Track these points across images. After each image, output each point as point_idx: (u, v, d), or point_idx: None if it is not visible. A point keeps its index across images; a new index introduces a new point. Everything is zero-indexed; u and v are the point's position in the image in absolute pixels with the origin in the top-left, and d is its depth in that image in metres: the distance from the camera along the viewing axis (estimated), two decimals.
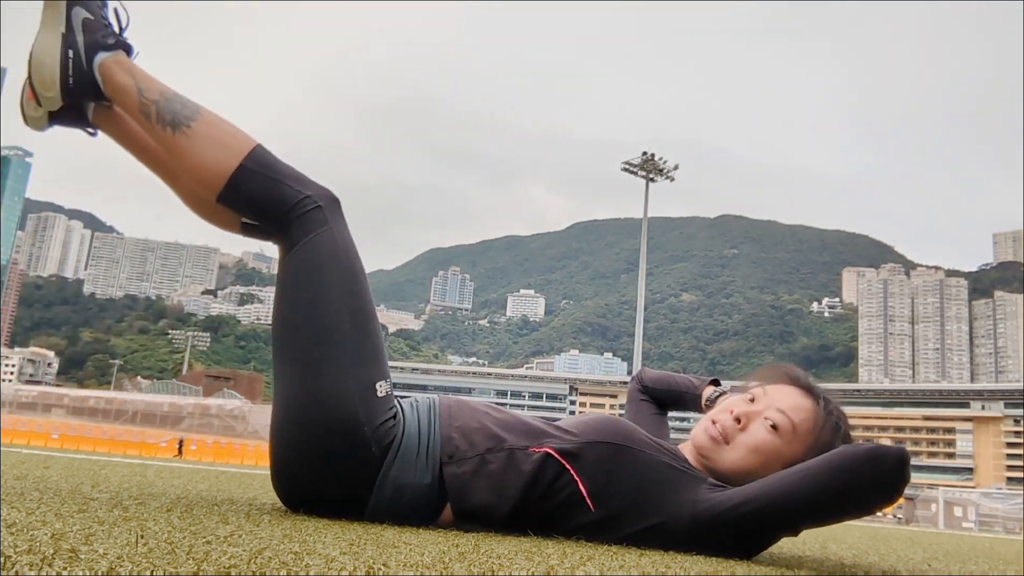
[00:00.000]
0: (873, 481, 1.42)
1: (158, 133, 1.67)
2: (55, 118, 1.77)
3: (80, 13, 1.72)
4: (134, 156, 1.83)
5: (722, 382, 1.93)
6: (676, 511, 1.50)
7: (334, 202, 1.67)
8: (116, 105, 1.75)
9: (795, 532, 1.56)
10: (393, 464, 1.55)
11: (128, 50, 1.74)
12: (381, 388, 1.58)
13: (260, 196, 1.64)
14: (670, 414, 2.06)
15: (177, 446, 25.31)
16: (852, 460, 1.43)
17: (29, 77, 1.74)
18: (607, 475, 1.54)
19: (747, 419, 1.62)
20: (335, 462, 1.53)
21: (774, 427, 1.59)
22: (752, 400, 1.65)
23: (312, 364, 1.56)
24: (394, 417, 1.58)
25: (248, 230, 1.76)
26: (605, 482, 1.54)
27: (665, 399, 2.01)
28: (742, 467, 1.59)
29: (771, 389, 1.66)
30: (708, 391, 1.87)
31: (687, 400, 1.94)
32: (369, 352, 1.59)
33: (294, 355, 1.59)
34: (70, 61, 1.70)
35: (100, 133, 1.83)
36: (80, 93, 1.72)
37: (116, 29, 1.76)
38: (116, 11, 1.78)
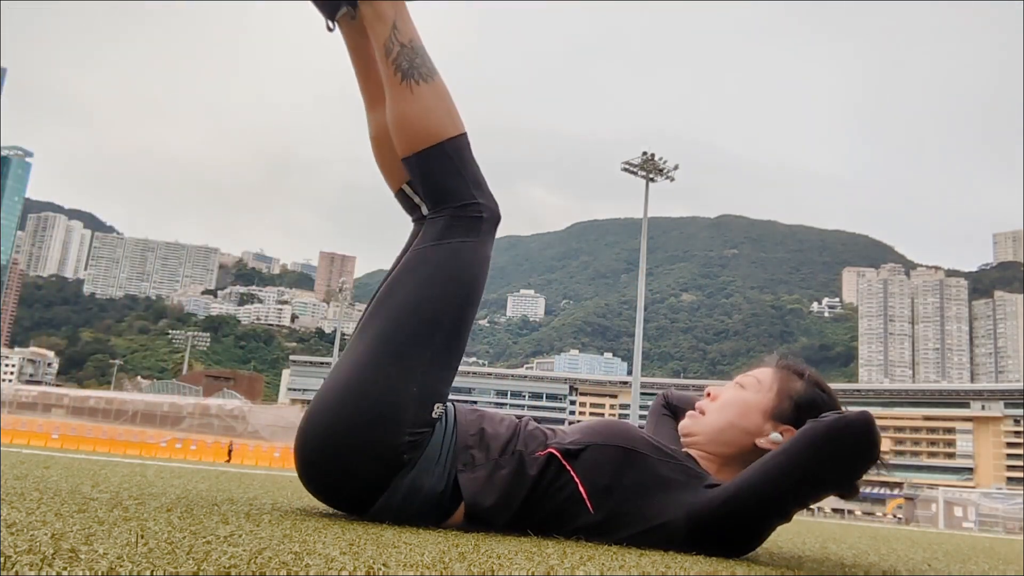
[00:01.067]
0: (844, 450, 1.45)
1: (389, 72, 1.69)
2: None
3: None
4: (355, 68, 1.85)
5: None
6: (675, 512, 1.51)
7: (495, 220, 1.69)
8: (367, 25, 1.75)
9: (787, 517, 1.57)
10: (413, 469, 1.56)
11: None
12: (437, 409, 1.60)
13: (437, 178, 1.67)
14: None
15: (228, 450, 25.04)
16: (822, 431, 1.45)
17: None
18: (608, 477, 1.56)
19: (717, 391, 1.75)
20: (363, 450, 1.54)
21: (739, 385, 1.73)
22: (740, 386, 1.77)
23: (392, 355, 1.57)
24: (430, 433, 1.60)
25: (402, 196, 1.79)
26: (606, 484, 1.55)
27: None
28: (718, 424, 1.67)
29: (757, 371, 1.78)
30: None
31: None
32: (443, 371, 1.61)
33: (382, 336, 1.60)
34: None
35: (337, 32, 1.83)
36: None
37: None
38: None
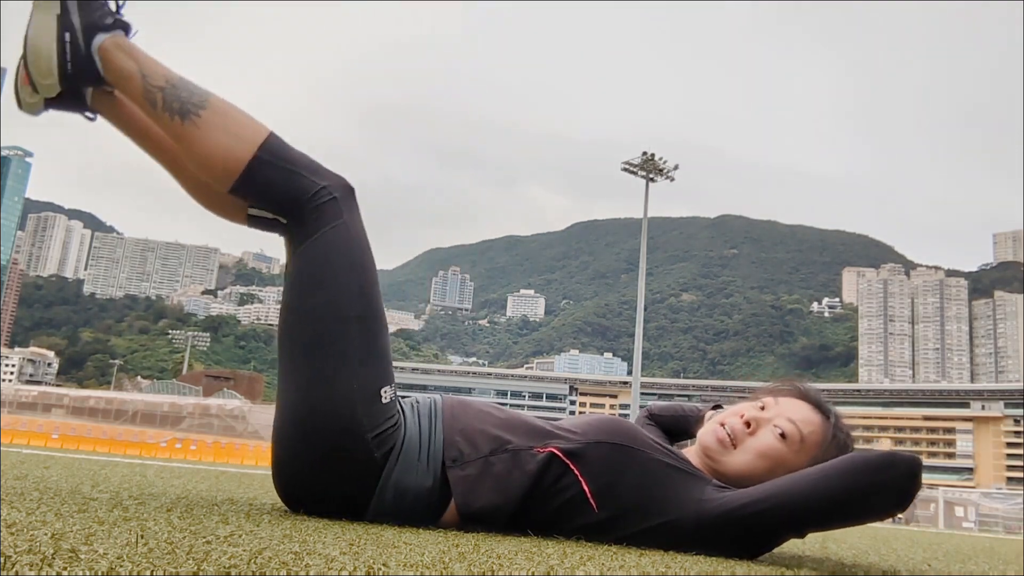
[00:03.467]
0: (885, 487, 1.41)
1: (165, 121, 1.59)
2: (52, 103, 1.68)
3: None
4: (135, 143, 1.75)
5: (723, 387, 1.94)
6: (680, 511, 1.49)
7: (349, 192, 1.62)
8: (118, 91, 1.66)
9: (801, 535, 1.56)
10: (395, 468, 1.53)
11: (127, 29, 1.65)
12: (386, 394, 1.55)
13: (275, 187, 1.58)
14: None
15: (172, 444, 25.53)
16: (864, 465, 1.42)
17: (25, 62, 1.64)
18: (611, 475, 1.54)
19: (756, 424, 1.62)
20: (336, 466, 1.51)
21: (783, 435, 1.59)
22: (763, 408, 1.65)
23: (317, 367, 1.53)
24: (396, 423, 1.56)
25: (254, 221, 1.69)
26: (609, 482, 1.53)
27: (671, 425, 2.02)
28: (748, 471, 1.59)
29: (782, 400, 1.66)
30: (710, 412, 1.86)
31: (691, 423, 1.95)
32: (375, 357, 1.56)
33: (299, 356, 1.56)
34: (67, 45, 1.60)
35: (99, 118, 1.74)
36: (79, 79, 1.63)
37: (113, 7, 1.65)
38: None
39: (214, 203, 1.72)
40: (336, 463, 1.51)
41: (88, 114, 1.72)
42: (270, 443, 1.61)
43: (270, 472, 1.63)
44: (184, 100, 1.57)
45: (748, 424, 1.62)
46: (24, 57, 1.64)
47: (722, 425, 1.64)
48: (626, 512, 1.52)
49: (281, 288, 1.60)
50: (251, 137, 1.58)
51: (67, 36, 1.60)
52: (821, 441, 1.61)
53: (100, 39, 1.61)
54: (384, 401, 1.54)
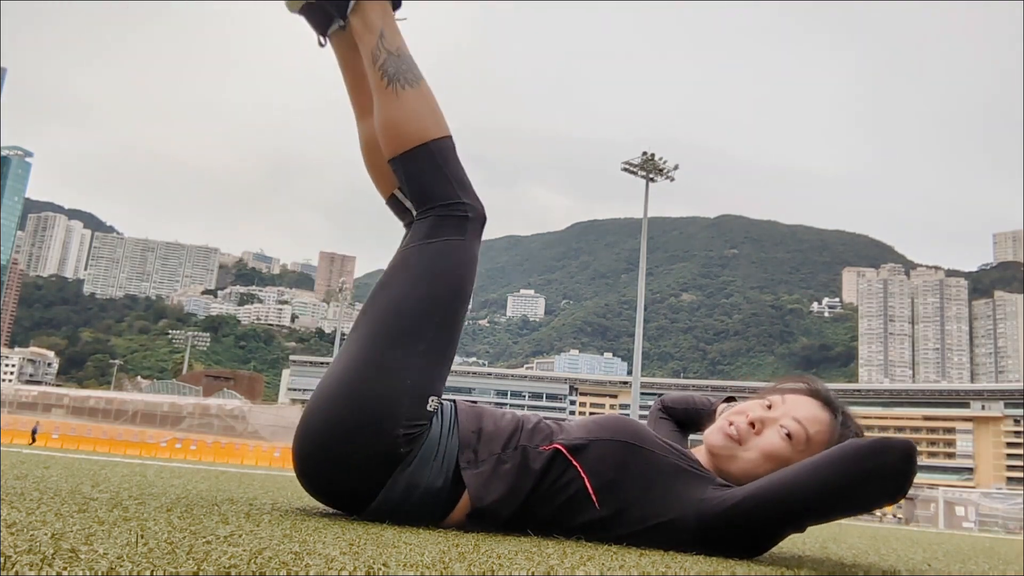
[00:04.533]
0: (879, 474, 1.41)
1: (376, 78, 1.76)
2: (306, 9, 1.86)
3: None
4: (346, 82, 1.93)
5: (723, 386, 1.95)
6: (683, 510, 1.50)
7: (481, 220, 1.72)
8: (355, 34, 1.82)
9: (801, 528, 1.57)
10: (412, 465, 1.57)
11: (396, 4, 1.84)
12: (432, 403, 1.61)
13: (423, 179, 1.71)
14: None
15: (32, 433, 25.93)
16: (856, 453, 1.42)
17: None
18: (614, 472, 1.55)
19: (762, 424, 1.63)
20: (361, 447, 1.55)
21: (788, 436, 1.60)
22: (770, 407, 1.66)
23: (384, 351, 1.59)
24: (426, 429, 1.61)
25: (393, 203, 1.84)
26: (612, 480, 1.55)
27: (683, 418, 2.04)
28: (753, 472, 1.59)
29: (790, 398, 1.67)
30: (722, 406, 1.87)
31: (703, 417, 1.96)
32: (438, 365, 1.63)
33: (374, 334, 1.63)
34: None
35: (329, 47, 1.91)
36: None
37: None
38: None
39: (375, 164, 1.87)
40: (363, 443, 1.54)
41: (322, 38, 1.89)
42: (304, 409, 1.65)
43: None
44: (401, 71, 1.75)
45: (753, 424, 1.64)
46: None
47: (729, 424, 1.66)
48: (628, 510, 1.53)
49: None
50: (432, 128, 1.73)
51: None
52: (828, 440, 1.60)
53: None
54: (428, 408, 1.60)
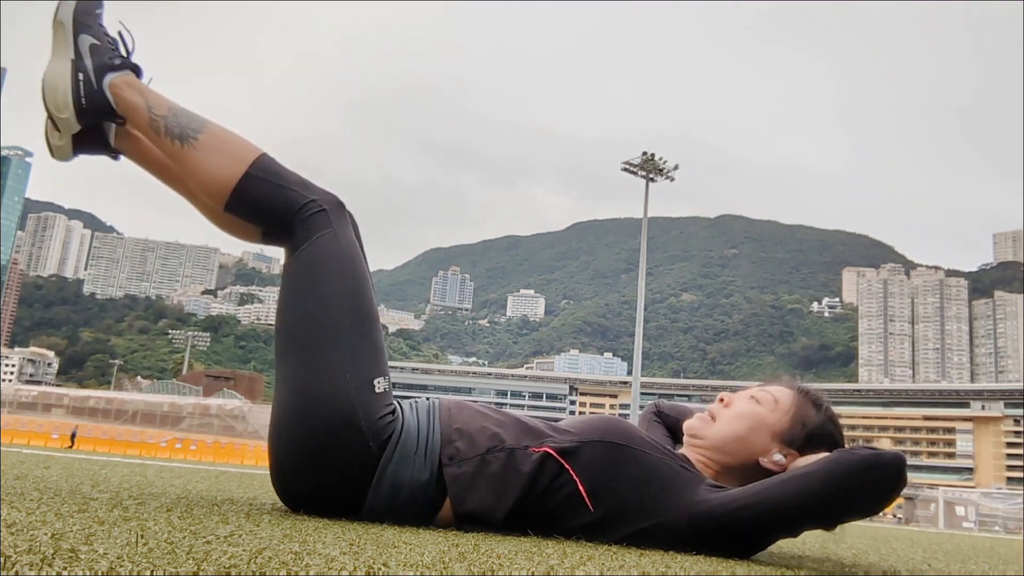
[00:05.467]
0: (870, 487, 1.45)
1: (167, 147, 1.74)
2: (78, 146, 1.84)
3: (87, 40, 1.80)
4: (156, 177, 1.90)
5: (723, 387, 1.99)
6: (675, 511, 1.51)
7: (338, 206, 1.73)
8: (128, 123, 1.80)
9: (794, 534, 1.60)
10: (391, 461, 1.56)
11: (137, 71, 1.82)
12: (379, 384, 1.61)
13: (265, 202, 1.70)
14: None
15: (71, 437, 25.99)
16: (849, 466, 1.45)
17: (44, 104, 1.80)
18: (606, 474, 1.55)
19: (730, 399, 1.74)
20: (333, 458, 1.55)
21: (754, 399, 1.71)
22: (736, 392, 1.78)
23: (311, 361, 1.59)
24: (392, 413, 1.60)
25: (268, 238, 1.81)
26: (604, 481, 1.55)
27: (675, 426, 2.04)
28: (729, 434, 1.66)
29: (756, 386, 1.78)
30: None
31: None
32: (367, 351, 1.63)
33: (293, 353, 1.63)
34: (80, 84, 1.77)
35: (123, 158, 1.89)
36: (94, 113, 1.79)
37: (123, 52, 1.83)
38: (121, 35, 1.85)
39: (228, 225, 1.82)
40: (333, 454, 1.54)
41: (112, 154, 1.88)
42: (268, 446, 1.65)
43: (269, 472, 1.65)
44: (184, 126, 1.73)
45: (722, 400, 1.75)
46: (44, 102, 1.80)
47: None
48: (621, 512, 1.53)
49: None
50: (243, 156, 1.72)
51: (80, 76, 1.77)
52: (793, 398, 1.70)
53: (110, 77, 1.78)
54: (377, 391, 1.59)
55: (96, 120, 1.81)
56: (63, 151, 1.84)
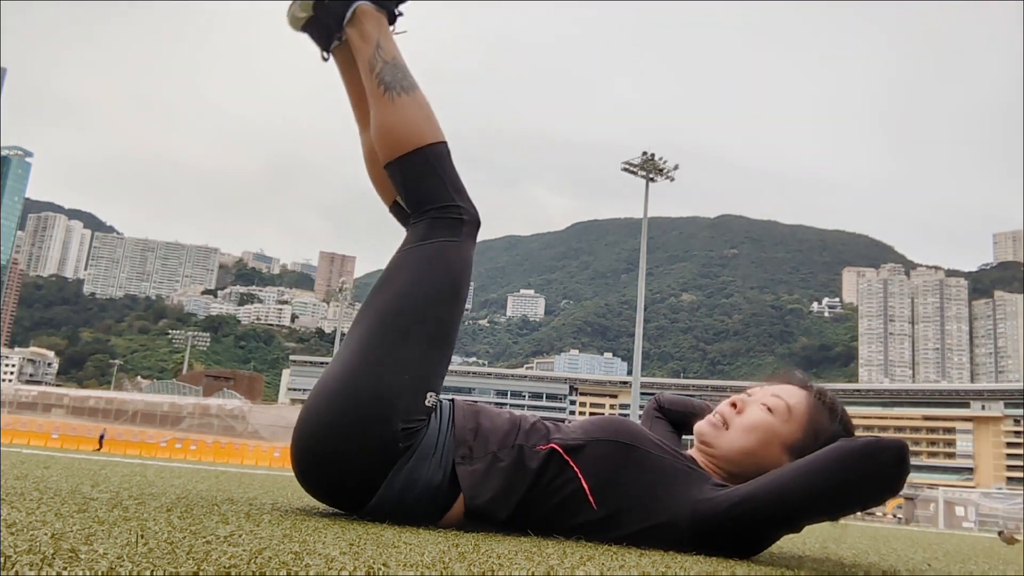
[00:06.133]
0: (872, 474, 1.42)
1: (373, 86, 1.83)
2: (308, 26, 1.94)
3: None
4: (348, 94, 2.01)
5: (723, 386, 1.97)
6: (678, 510, 1.51)
7: (475, 224, 1.78)
8: (352, 46, 1.89)
9: (797, 529, 1.59)
10: (410, 460, 1.58)
11: (391, 18, 1.92)
12: (430, 398, 1.64)
13: (418, 181, 1.77)
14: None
15: (99, 439, 26.13)
16: (849, 454, 1.43)
17: None
18: (611, 473, 1.56)
19: (743, 404, 1.70)
20: (361, 441, 1.56)
21: (768, 408, 1.66)
22: (750, 395, 1.74)
23: (386, 347, 1.62)
24: (424, 424, 1.63)
25: (396, 209, 1.90)
26: (609, 480, 1.56)
27: (680, 420, 2.05)
28: (741, 447, 1.64)
29: (768, 386, 1.75)
30: None
31: (700, 418, 1.98)
32: (435, 362, 1.66)
33: (376, 331, 1.65)
34: None
35: (331, 62, 1.99)
36: (330, 12, 1.89)
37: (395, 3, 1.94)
38: None
39: (376, 173, 1.93)
40: (361, 439, 1.56)
41: (325, 54, 1.98)
42: (302, 408, 1.66)
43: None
44: (396, 79, 1.82)
45: (735, 405, 1.70)
46: None
47: (715, 414, 1.73)
48: (625, 510, 1.54)
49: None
50: (427, 133, 1.79)
51: None
52: (808, 407, 1.66)
53: (363, 3, 1.88)
54: (426, 403, 1.63)
55: (327, 17, 1.90)
56: (296, 22, 1.94)
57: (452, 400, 1.76)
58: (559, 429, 1.69)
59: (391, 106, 1.79)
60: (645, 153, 33.88)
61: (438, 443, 1.62)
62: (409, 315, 1.65)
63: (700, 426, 1.74)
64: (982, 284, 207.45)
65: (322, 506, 1.81)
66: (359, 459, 1.57)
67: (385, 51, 1.85)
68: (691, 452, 1.73)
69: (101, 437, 26.50)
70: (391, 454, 1.57)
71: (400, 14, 1.94)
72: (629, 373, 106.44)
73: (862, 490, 1.44)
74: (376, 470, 1.57)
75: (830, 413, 1.67)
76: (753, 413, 1.67)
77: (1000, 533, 9.04)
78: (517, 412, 1.79)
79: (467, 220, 1.75)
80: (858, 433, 1.64)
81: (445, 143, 1.81)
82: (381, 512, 1.58)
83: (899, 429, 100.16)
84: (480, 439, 1.64)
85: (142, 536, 0.98)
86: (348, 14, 1.87)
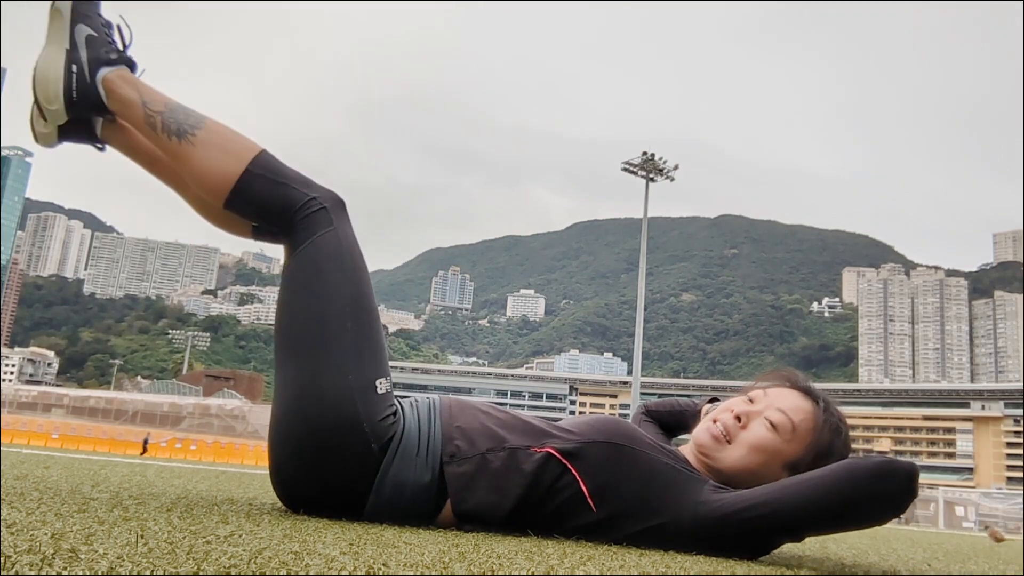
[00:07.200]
0: (880, 495, 1.41)
1: (164, 143, 1.70)
2: (64, 135, 1.81)
3: (83, 31, 1.76)
4: (143, 168, 1.87)
5: (723, 386, 1.94)
6: (678, 512, 1.50)
7: (339, 204, 1.70)
8: (120, 118, 1.78)
9: (798, 539, 1.58)
10: (393, 462, 1.55)
11: (132, 66, 1.78)
12: (381, 385, 1.59)
13: (266, 199, 1.67)
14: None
15: (143, 444, 25.76)
16: (861, 473, 1.41)
17: (34, 92, 1.77)
18: (609, 475, 1.54)
19: (747, 418, 1.64)
20: (335, 459, 1.53)
21: (773, 426, 1.61)
22: (752, 401, 1.67)
23: (312, 361, 1.57)
24: (394, 414, 1.59)
25: (259, 234, 1.78)
26: (607, 482, 1.54)
27: (668, 420, 2.03)
28: (743, 466, 1.60)
29: (771, 391, 1.68)
30: (707, 406, 1.86)
31: (688, 417, 1.96)
32: (369, 350, 1.60)
33: (295, 352, 1.60)
34: (73, 76, 1.73)
35: (108, 148, 1.87)
36: (84, 106, 1.75)
37: (120, 46, 1.80)
38: (119, 28, 1.81)
39: (219, 219, 1.80)
40: (335, 455, 1.53)
41: (98, 144, 1.84)
42: (268, 448, 1.63)
43: (268, 474, 1.65)
44: (181, 122, 1.69)
45: (739, 418, 1.64)
46: (33, 88, 1.76)
47: (715, 422, 1.66)
48: (624, 512, 1.52)
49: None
50: (243, 153, 1.68)
51: (74, 68, 1.73)
52: (813, 427, 1.62)
53: (104, 71, 1.74)
54: (379, 392, 1.57)
55: (85, 114, 1.78)
56: (47, 138, 1.81)
57: (438, 397, 1.73)
58: (553, 428, 1.66)
59: (193, 149, 1.68)
60: (645, 153, 33.92)
61: (421, 442, 1.58)
62: (324, 318, 1.60)
63: (700, 435, 1.68)
64: (982, 284, 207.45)
65: None
66: (341, 475, 1.54)
67: (154, 103, 1.72)
68: (683, 451, 1.71)
69: (145, 441, 26.00)
70: (370, 459, 1.54)
71: (131, 58, 1.80)
72: (629, 373, 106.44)
73: (869, 510, 1.44)
74: (360, 480, 1.54)
75: (834, 432, 1.63)
76: (758, 432, 1.62)
77: (986, 527, 9.13)
78: (506, 409, 1.74)
79: (328, 206, 1.68)
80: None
81: (263, 150, 1.71)
82: (376, 517, 1.56)
83: (899, 429, 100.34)
84: (467, 438, 1.60)
85: (142, 536, 0.98)
86: (102, 93, 1.74)
